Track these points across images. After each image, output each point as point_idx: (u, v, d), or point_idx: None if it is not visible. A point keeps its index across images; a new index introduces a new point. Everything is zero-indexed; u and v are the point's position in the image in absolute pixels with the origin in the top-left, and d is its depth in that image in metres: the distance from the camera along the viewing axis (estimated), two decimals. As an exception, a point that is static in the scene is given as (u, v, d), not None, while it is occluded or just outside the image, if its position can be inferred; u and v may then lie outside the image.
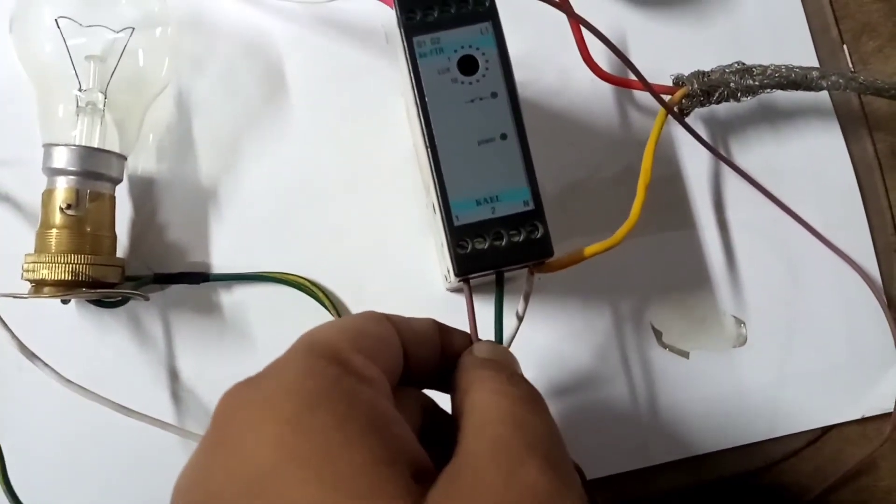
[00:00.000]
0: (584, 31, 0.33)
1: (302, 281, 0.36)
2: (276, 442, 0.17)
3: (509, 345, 0.31)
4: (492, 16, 0.27)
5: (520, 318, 0.30)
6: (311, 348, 0.20)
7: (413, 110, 0.29)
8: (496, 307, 0.28)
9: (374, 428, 0.18)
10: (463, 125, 0.27)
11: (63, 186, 0.32)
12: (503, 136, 0.27)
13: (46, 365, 0.32)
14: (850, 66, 0.39)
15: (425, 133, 0.27)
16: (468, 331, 0.27)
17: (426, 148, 0.27)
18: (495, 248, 0.26)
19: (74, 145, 0.32)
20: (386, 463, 0.17)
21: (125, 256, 0.36)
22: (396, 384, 0.22)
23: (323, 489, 0.16)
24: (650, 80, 0.36)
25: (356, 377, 0.19)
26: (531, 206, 0.27)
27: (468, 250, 0.26)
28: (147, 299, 0.35)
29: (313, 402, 0.18)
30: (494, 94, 0.27)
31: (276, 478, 0.16)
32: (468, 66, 0.27)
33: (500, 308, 0.28)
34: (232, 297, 0.36)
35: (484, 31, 0.27)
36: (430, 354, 0.25)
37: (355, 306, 0.36)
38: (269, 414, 0.18)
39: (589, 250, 0.29)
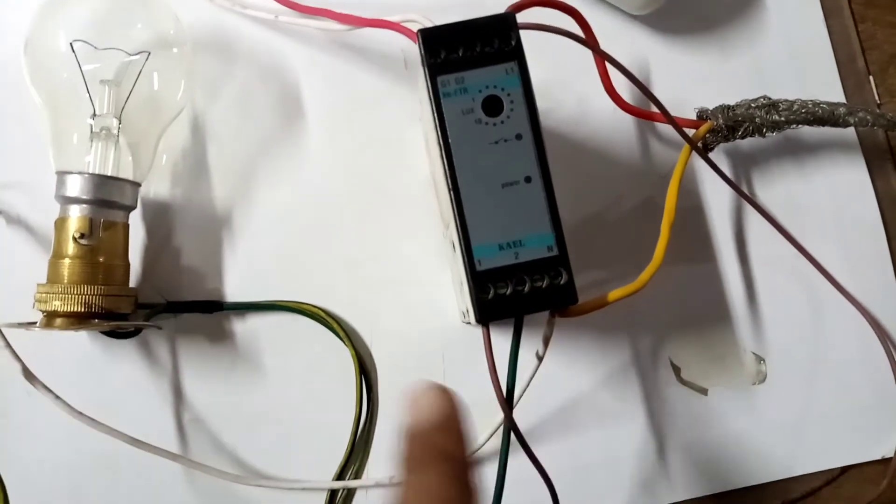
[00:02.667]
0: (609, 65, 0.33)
1: (316, 310, 0.35)
2: None
3: (528, 383, 0.30)
4: (517, 55, 0.26)
5: (539, 359, 0.30)
6: None
7: (434, 145, 0.28)
8: (511, 354, 0.27)
9: None
10: (486, 167, 0.26)
11: (76, 215, 0.32)
12: (527, 179, 0.26)
13: (57, 396, 0.31)
14: (877, 97, 0.39)
15: (448, 175, 0.26)
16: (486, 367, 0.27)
17: (449, 190, 0.26)
18: (518, 294, 0.26)
19: (88, 173, 0.32)
20: None
21: (138, 282, 0.35)
22: None
23: None
24: (673, 111, 0.36)
25: None
26: (555, 252, 0.26)
27: (490, 296, 0.26)
28: (160, 329, 0.35)
29: None
30: (519, 136, 0.26)
31: None
32: (493, 106, 0.26)
33: (516, 356, 0.27)
34: (244, 326, 0.36)
35: (509, 70, 0.26)
36: None
37: (370, 337, 0.36)
38: None
39: (612, 295, 0.28)
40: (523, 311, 0.26)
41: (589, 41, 0.30)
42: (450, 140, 0.26)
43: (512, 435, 0.28)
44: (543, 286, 0.26)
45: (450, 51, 0.26)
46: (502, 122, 0.26)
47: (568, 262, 0.26)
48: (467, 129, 0.26)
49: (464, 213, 0.26)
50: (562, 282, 0.26)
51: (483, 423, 0.34)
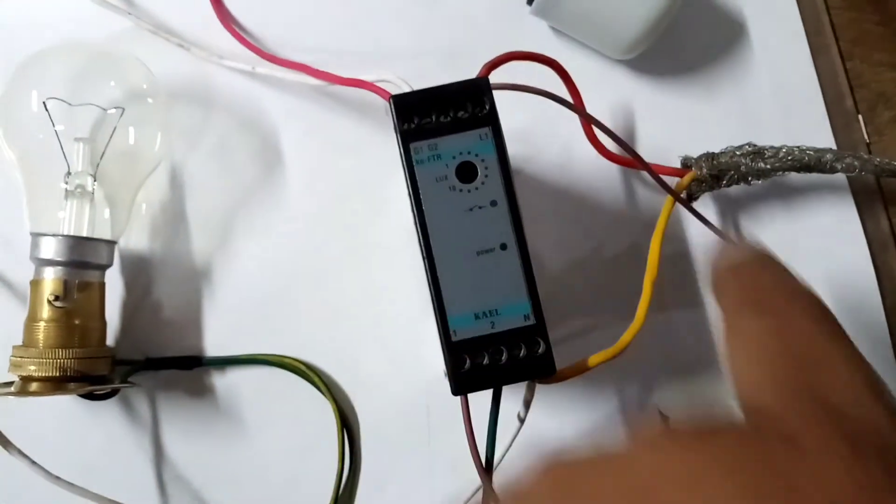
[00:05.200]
0: (588, 105, 0.32)
1: (296, 364, 0.35)
2: None
3: (509, 446, 0.30)
4: (492, 121, 0.26)
5: (521, 421, 0.29)
6: None
7: (411, 214, 0.27)
8: (490, 425, 0.27)
9: None
10: (461, 235, 0.26)
11: (50, 277, 0.31)
12: (503, 247, 0.26)
13: (33, 462, 0.31)
14: (866, 136, 0.38)
15: (422, 244, 0.26)
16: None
17: (423, 259, 0.26)
18: (495, 365, 0.25)
19: (62, 235, 0.31)
20: None
21: (116, 338, 0.35)
22: None
23: None
24: (658, 156, 0.35)
25: None
26: (532, 321, 0.25)
27: (467, 367, 0.25)
28: (138, 386, 0.34)
29: None
30: (494, 203, 0.26)
31: None
32: (467, 173, 0.26)
33: (494, 426, 0.27)
34: (225, 381, 0.35)
35: (483, 136, 0.26)
36: None
37: (352, 389, 0.35)
38: None
39: (593, 360, 0.27)
40: (500, 382, 0.26)
41: (575, 106, 0.30)
42: (423, 208, 0.26)
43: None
44: (521, 356, 0.25)
45: (422, 117, 0.26)
46: (476, 188, 0.26)
47: (545, 331, 0.25)
48: (441, 196, 0.26)
49: (438, 282, 0.26)
50: (539, 351, 0.25)
51: (469, 481, 0.33)
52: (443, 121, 0.26)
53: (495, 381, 0.25)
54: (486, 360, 0.25)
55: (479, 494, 0.31)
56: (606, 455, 0.16)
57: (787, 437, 0.15)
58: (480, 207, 0.26)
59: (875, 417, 0.15)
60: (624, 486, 0.15)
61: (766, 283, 0.20)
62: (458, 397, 0.26)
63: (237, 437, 0.35)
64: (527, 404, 0.28)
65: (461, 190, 0.26)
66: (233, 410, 0.35)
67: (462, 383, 0.25)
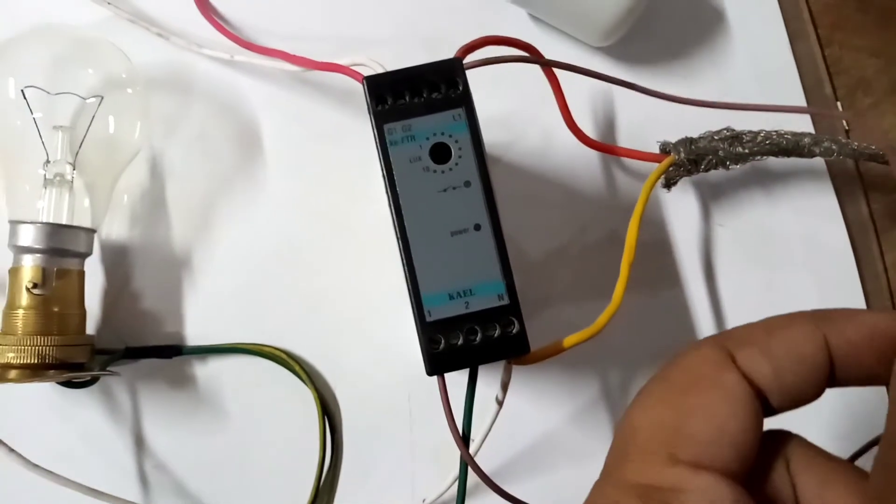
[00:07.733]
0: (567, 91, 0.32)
1: (277, 353, 0.35)
2: None
3: (489, 429, 0.30)
4: (465, 101, 0.26)
5: (500, 404, 0.29)
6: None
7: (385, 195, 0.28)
8: (466, 404, 0.27)
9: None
10: (435, 216, 0.26)
11: (29, 265, 0.31)
12: (477, 227, 0.26)
13: (11, 450, 0.31)
14: (845, 123, 0.38)
15: (396, 224, 0.26)
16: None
17: (397, 239, 0.26)
18: (469, 344, 0.25)
19: (40, 223, 0.31)
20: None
21: (97, 326, 0.35)
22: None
23: None
24: (636, 144, 0.36)
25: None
26: (506, 301, 0.25)
27: (441, 347, 0.25)
28: (118, 375, 0.34)
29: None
30: (468, 183, 0.26)
31: None
32: (440, 154, 0.26)
33: (471, 406, 0.27)
34: (206, 370, 0.35)
35: (457, 117, 0.26)
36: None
37: (333, 378, 0.35)
38: None
39: (568, 341, 0.27)
40: (475, 362, 0.26)
41: (548, 79, 0.30)
42: (397, 189, 0.26)
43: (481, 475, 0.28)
44: (495, 336, 0.25)
45: (396, 98, 0.26)
46: (451, 169, 0.26)
47: (519, 311, 0.26)
48: (415, 177, 0.26)
49: (413, 262, 0.26)
50: (513, 331, 0.25)
51: (451, 468, 0.33)
52: (416, 102, 0.26)
53: (470, 360, 0.25)
54: (460, 341, 0.25)
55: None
56: None
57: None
58: (454, 188, 0.26)
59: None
60: None
61: None
62: (436, 378, 0.27)
63: (218, 427, 0.35)
64: (504, 387, 0.28)
65: (435, 171, 0.26)
66: (213, 400, 0.35)
67: (437, 363, 0.25)
